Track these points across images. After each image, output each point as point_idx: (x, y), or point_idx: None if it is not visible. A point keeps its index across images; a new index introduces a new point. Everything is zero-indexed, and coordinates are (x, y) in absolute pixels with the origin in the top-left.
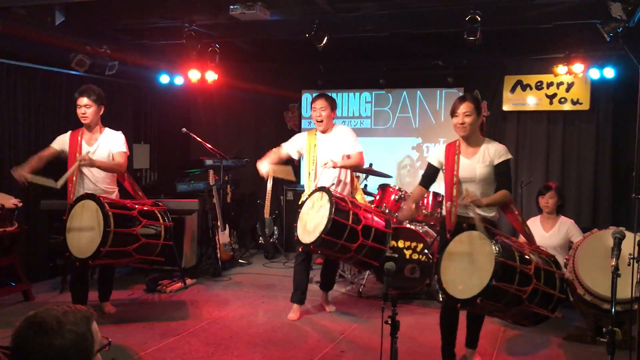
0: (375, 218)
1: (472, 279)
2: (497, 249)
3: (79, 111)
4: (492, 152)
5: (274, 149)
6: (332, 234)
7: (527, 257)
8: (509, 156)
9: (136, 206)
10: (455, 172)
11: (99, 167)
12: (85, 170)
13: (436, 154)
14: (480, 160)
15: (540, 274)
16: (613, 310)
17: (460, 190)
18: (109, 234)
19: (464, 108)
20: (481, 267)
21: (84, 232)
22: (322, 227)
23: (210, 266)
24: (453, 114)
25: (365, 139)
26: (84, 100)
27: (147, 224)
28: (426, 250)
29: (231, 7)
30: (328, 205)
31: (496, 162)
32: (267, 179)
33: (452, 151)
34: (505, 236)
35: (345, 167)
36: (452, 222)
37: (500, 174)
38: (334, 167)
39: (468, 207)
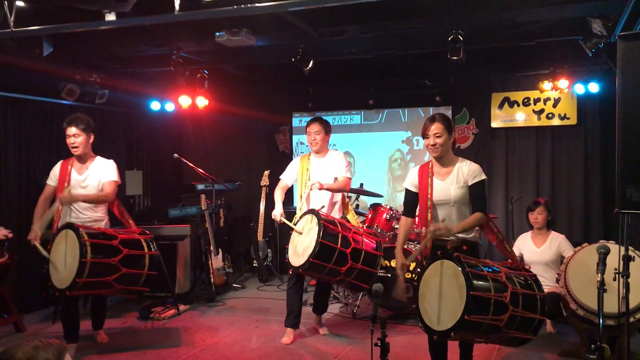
0: (366, 240)
1: (447, 311)
2: (467, 281)
3: (68, 141)
4: (466, 172)
5: (278, 187)
6: (321, 258)
7: (502, 284)
8: (483, 176)
9: (119, 235)
10: (429, 196)
11: (83, 201)
12: None
13: (410, 179)
14: (454, 181)
15: (519, 299)
16: (601, 325)
17: (434, 215)
18: (85, 264)
19: (434, 129)
20: (454, 299)
21: (64, 262)
22: (310, 250)
23: (204, 291)
24: (424, 135)
25: (356, 135)
26: (72, 130)
27: (128, 254)
28: (419, 269)
29: (217, 33)
30: (317, 229)
31: (470, 182)
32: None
33: (425, 173)
34: (481, 261)
35: (330, 190)
36: (428, 247)
37: (474, 196)
38: (319, 189)
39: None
